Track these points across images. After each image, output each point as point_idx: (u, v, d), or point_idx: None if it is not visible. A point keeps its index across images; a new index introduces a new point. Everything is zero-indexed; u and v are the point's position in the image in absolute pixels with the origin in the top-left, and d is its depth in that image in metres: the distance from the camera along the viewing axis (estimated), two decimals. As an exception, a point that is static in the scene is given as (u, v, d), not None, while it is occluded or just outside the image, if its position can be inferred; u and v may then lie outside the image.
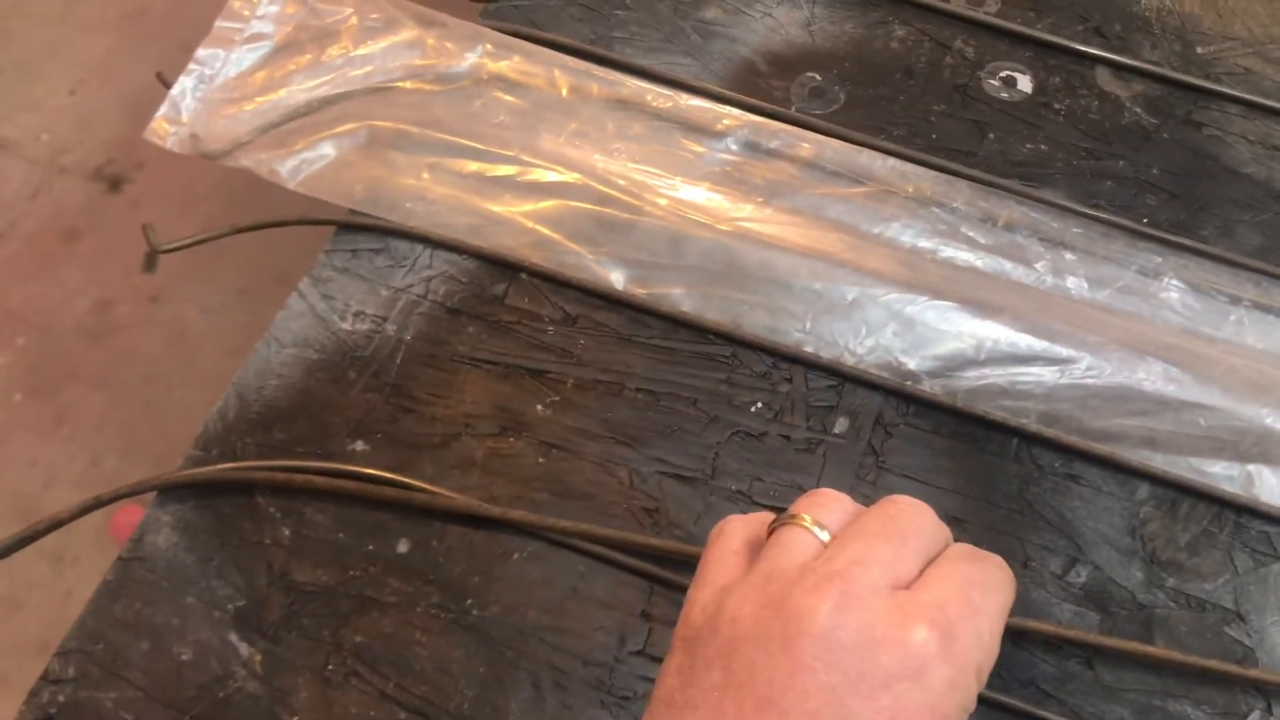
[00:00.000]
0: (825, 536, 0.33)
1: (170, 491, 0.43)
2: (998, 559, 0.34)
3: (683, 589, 0.41)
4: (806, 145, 0.49)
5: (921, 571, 0.32)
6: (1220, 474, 0.41)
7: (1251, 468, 0.41)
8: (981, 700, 0.34)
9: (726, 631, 0.31)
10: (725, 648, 0.30)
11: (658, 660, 0.40)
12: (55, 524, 0.42)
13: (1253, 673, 0.38)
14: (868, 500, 0.37)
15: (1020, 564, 0.41)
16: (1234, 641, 0.39)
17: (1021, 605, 0.39)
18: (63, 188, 1.60)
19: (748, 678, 0.29)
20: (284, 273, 1.47)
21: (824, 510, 0.34)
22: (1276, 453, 0.42)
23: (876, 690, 0.29)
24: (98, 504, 0.42)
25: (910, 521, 0.33)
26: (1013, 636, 0.39)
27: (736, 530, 0.35)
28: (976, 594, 0.31)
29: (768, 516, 0.36)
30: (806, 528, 0.33)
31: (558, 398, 0.45)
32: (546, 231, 0.48)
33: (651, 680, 0.39)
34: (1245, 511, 0.41)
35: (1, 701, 1.17)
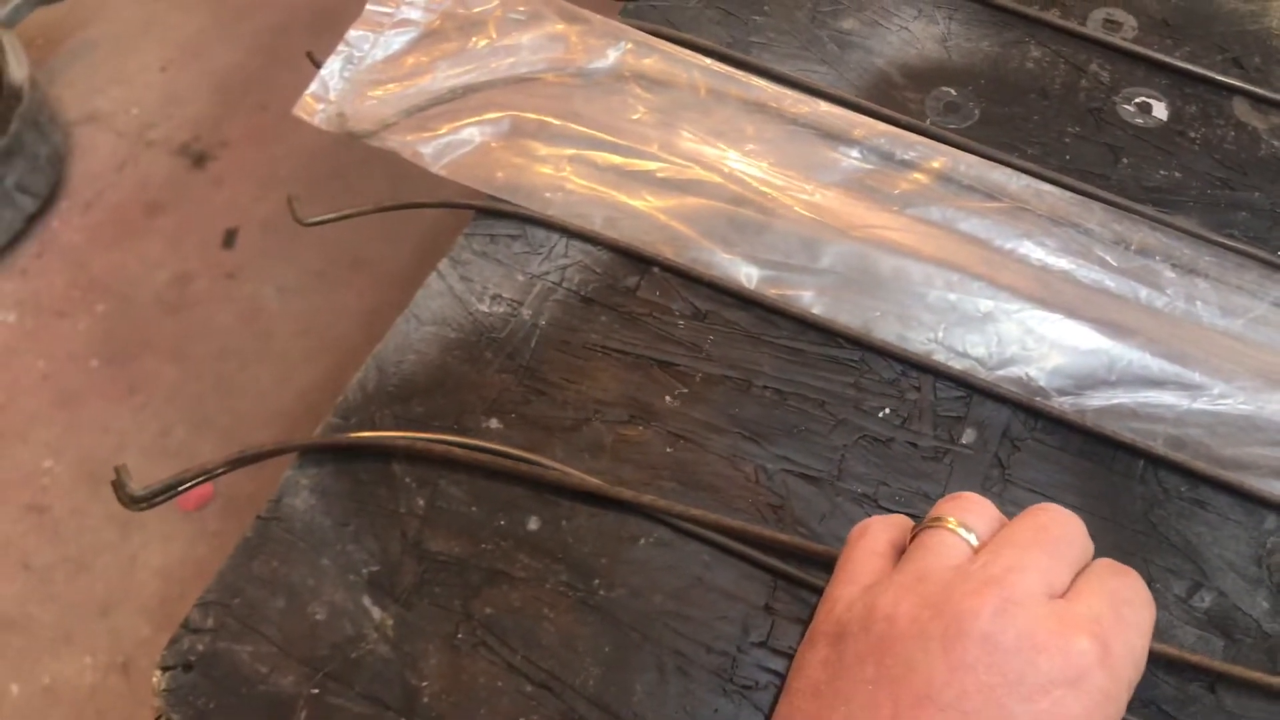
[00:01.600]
0: (973, 540, 0.33)
1: (310, 455, 0.45)
2: (1139, 576, 0.34)
3: (806, 586, 0.42)
4: (941, 158, 0.50)
5: (1072, 582, 0.32)
6: (1352, 509, 0.41)
7: (1385, 505, 0.41)
8: None
9: (880, 629, 0.31)
10: (878, 644, 0.31)
11: (780, 653, 0.41)
12: (202, 473, 0.43)
13: (1381, 708, 0.38)
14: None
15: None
16: (1362, 676, 0.39)
17: (1148, 624, 0.40)
18: (149, 161, 1.64)
19: (904, 673, 0.30)
20: (360, 258, 1.49)
21: (970, 515, 0.34)
22: None
23: (1035, 694, 0.29)
24: (242, 460, 0.44)
25: (1063, 531, 0.33)
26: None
27: (881, 532, 0.35)
28: (1127, 610, 0.32)
29: (909, 521, 0.36)
30: (953, 530, 0.33)
31: (686, 390, 0.46)
32: (681, 228, 0.49)
33: (773, 671, 0.40)
34: (1376, 548, 0.41)
35: (64, 658, 1.20)
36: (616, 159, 0.51)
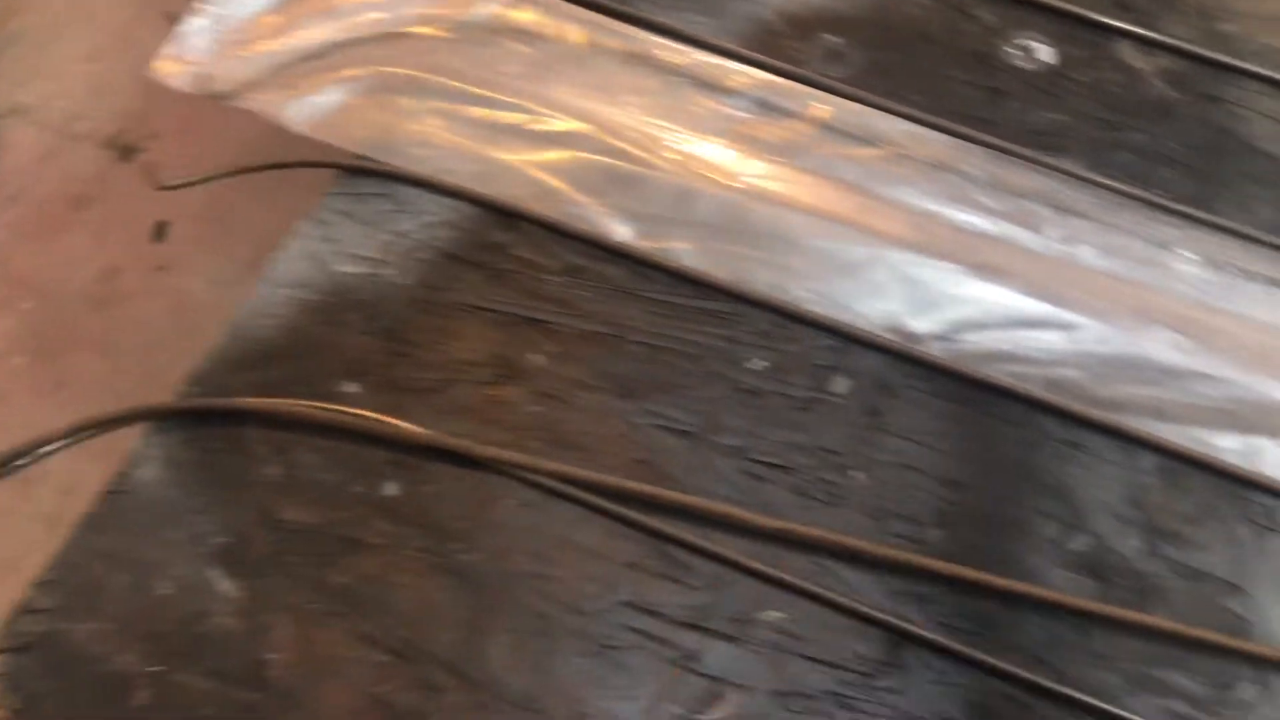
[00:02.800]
0: None
1: (160, 425, 0.43)
2: None
3: (674, 541, 0.40)
4: (821, 106, 0.49)
5: None
6: (1225, 447, 0.41)
7: (1257, 441, 0.40)
8: (970, 663, 0.34)
9: None
10: None
11: (646, 611, 0.39)
12: (40, 444, 0.41)
13: (1247, 645, 0.37)
14: (868, 463, 0.36)
15: (1017, 529, 0.40)
16: (1230, 613, 0.39)
17: (1016, 570, 0.39)
18: (75, 155, 1.59)
19: None
20: (292, 247, 1.47)
21: None
22: (1285, 429, 0.41)
23: None
24: (87, 426, 0.42)
25: None
26: (1005, 600, 0.38)
27: None
28: None
29: None
30: None
31: (557, 348, 0.45)
32: (553, 182, 0.47)
33: (639, 631, 0.39)
34: (1248, 484, 0.41)
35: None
36: (487, 112, 0.49)
